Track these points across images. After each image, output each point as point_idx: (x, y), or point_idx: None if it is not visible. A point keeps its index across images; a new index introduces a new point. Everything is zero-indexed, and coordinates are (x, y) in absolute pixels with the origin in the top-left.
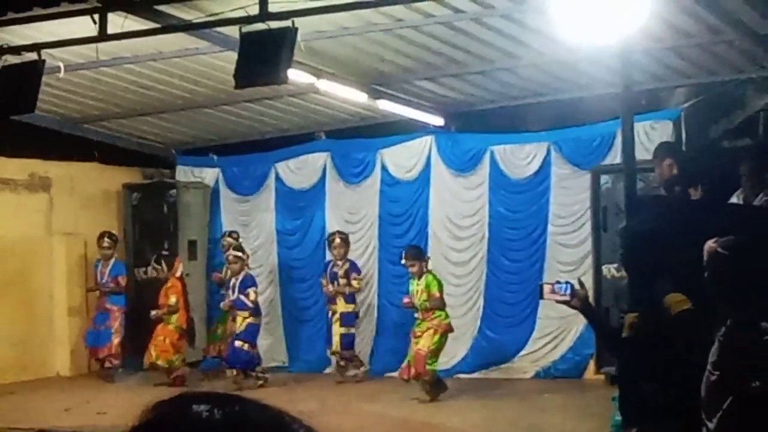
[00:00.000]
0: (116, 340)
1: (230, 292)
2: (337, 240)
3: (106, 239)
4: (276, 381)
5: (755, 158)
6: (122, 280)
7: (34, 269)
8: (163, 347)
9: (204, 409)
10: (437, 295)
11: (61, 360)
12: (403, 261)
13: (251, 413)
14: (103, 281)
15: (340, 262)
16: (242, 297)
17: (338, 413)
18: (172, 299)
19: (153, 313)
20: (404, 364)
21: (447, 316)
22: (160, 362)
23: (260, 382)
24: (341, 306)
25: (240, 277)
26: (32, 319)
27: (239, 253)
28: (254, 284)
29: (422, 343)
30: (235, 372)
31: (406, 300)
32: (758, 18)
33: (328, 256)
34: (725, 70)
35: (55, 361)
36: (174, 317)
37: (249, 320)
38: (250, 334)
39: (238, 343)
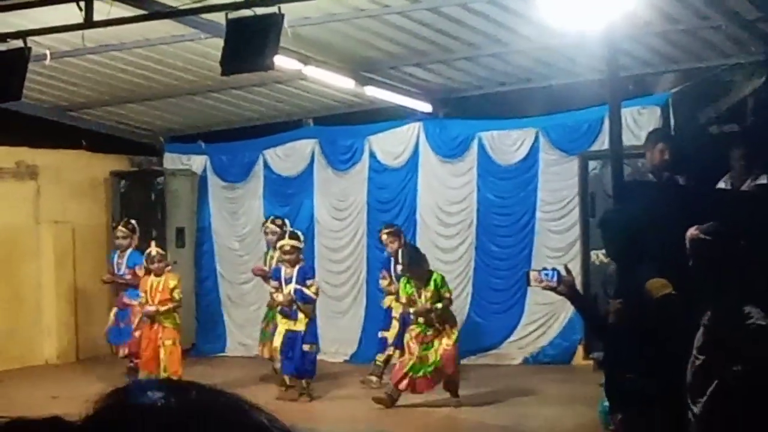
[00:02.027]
0: (136, 337)
1: (282, 285)
2: (383, 236)
3: (121, 228)
4: (265, 368)
5: (744, 144)
6: (140, 271)
7: (21, 257)
8: (174, 352)
9: (159, 397)
10: (449, 295)
11: (49, 348)
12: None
13: (208, 400)
14: (120, 273)
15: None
16: (304, 289)
17: (329, 401)
18: (177, 293)
19: (151, 308)
20: (418, 376)
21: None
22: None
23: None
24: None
25: (296, 268)
26: (20, 308)
27: (297, 243)
28: (314, 275)
29: (445, 341)
30: (305, 382)
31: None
32: (746, 3)
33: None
34: (713, 56)
35: (42, 350)
36: (176, 315)
37: (309, 317)
38: (314, 335)
39: (306, 347)
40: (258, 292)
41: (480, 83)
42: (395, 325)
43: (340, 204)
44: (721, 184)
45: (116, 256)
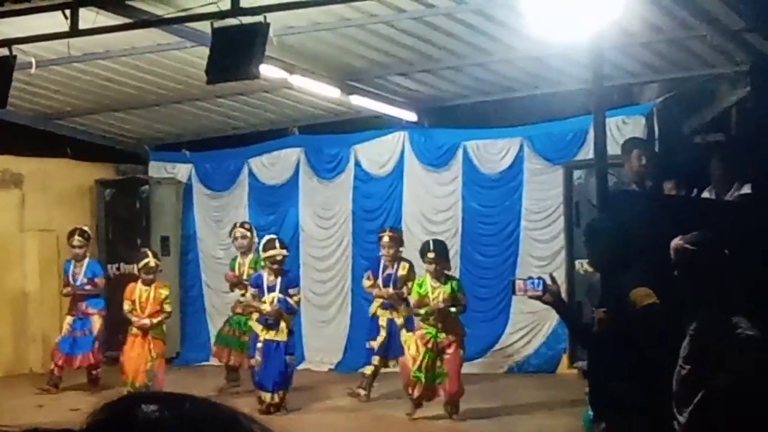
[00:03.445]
0: (98, 345)
1: (265, 293)
2: (385, 238)
3: (77, 237)
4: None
5: (726, 154)
6: (99, 281)
7: (6, 266)
8: (160, 365)
9: (153, 409)
10: (464, 302)
11: (34, 357)
12: (431, 255)
13: (202, 412)
14: (78, 283)
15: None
16: (288, 299)
17: (314, 411)
18: (167, 305)
19: (145, 322)
20: (437, 384)
21: None
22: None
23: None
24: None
25: (280, 277)
26: (5, 316)
27: (287, 252)
28: (298, 284)
29: (453, 354)
30: (280, 395)
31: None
32: (730, 13)
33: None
34: (697, 66)
35: (28, 358)
36: (164, 325)
37: (289, 328)
38: (293, 346)
39: (289, 359)
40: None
41: (465, 92)
42: (382, 333)
43: (325, 213)
44: (706, 194)
45: (71, 266)
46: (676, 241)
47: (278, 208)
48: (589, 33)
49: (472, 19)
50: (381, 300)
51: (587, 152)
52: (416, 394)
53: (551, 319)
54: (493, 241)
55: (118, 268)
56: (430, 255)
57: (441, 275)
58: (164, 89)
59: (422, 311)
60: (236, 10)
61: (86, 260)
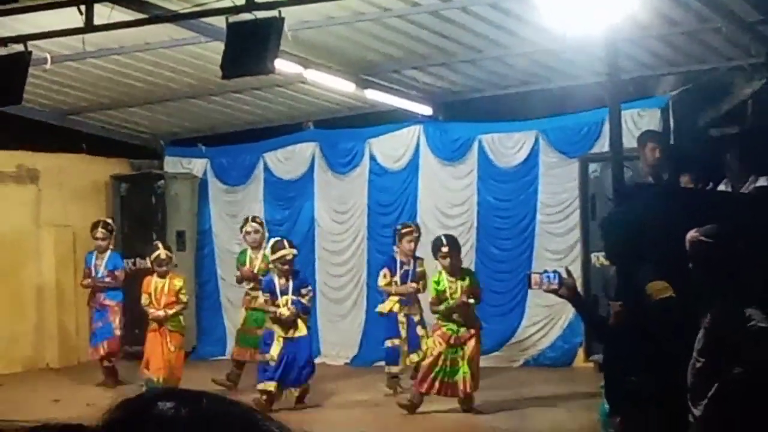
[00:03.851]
0: (117, 335)
1: (278, 296)
2: (414, 234)
3: (100, 229)
4: None
5: (742, 146)
6: (119, 274)
7: (22, 261)
8: (178, 358)
9: (170, 407)
10: (479, 293)
11: (51, 352)
12: (445, 249)
13: (219, 410)
14: (99, 275)
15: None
16: (302, 299)
17: (331, 406)
18: (183, 295)
19: (160, 313)
20: (446, 380)
21: None
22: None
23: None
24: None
25: (291, 279)
26: (21, 311)
27: (295, 252)
28: (308, 282)
29: (474, 347)
30: (303, 388)
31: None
32: (746, 5)
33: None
34: (713, 58)
35: (44, 353)
36: (181, 317)
37: (306, 323)
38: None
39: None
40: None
41: (480, 86)
42: (402, 332)
43: (340, 207)
44: (722, 187)
45: (94, 257)
46: (692, 233)
47: (293, 203)
48: (604, 26)
49: (487, 12)
50: (398, 297)
51: (603, 145)
52: (430, 391)
53: (567, 312)
54: (509, 234)
55: (134, 263)
56: (444, 249)
57: (457, 269)
58: (179, 84)
59: (442, 308)
60: (251, 4)
61: (108, 252)
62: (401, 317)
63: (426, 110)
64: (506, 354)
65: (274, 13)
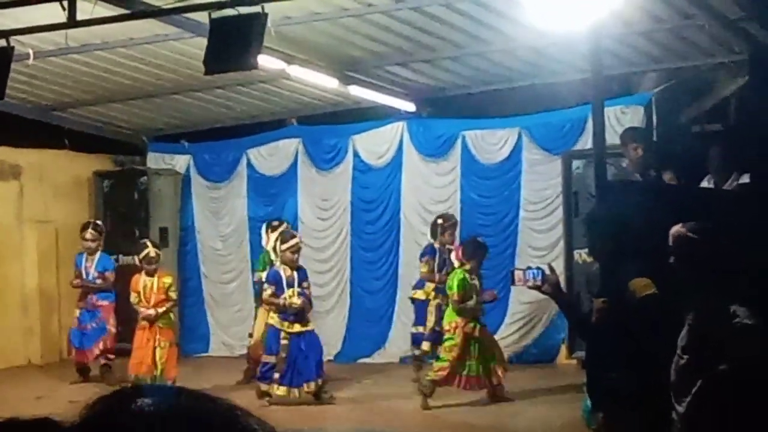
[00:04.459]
0: (113, 333)
1: (284, 288)
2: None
3: (90, 231)
4: None
5: (725, 143)
6: (110, 275)
7: (4, 257)
8: (171, 354)
9: (148, 404)
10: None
11: (33, 348)
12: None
13: (198, 407)
14: (89, 277)
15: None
16: (306, 291)
17: (312, 401)
18: (172, 292)
19: (151, 312)
20: (470, 374)
21: None
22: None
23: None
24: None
25: (296, 270)
26: (3, 308)
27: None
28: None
29: (492, 338)
30: (318, 384)
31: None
32: (729, 2)
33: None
34: (696, 55)
35: (27, 350)
36: (171, 314)
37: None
38: None
39: (325, 349)
40: (241, 292)
41: (464, 82)
42: (431, 319)
43: (323, 203)
44: (704, 183)
45: (84, 259)
46: (676, 228)
47: (277, 199)
48: (588, 22)
49: (471, 8)
50: (434, 285)
51: (586, 142)
52: (459, 386)
53: (550, 309)
54: (492, 231)
55: (116, 260)
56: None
57: (476, 270)
58: (162, 80)
59: (472, 303)
60: (234, 0)
61: (98, 254)
62: (431, 307)
63: (409, 107)
64: None
65: (257, 8)
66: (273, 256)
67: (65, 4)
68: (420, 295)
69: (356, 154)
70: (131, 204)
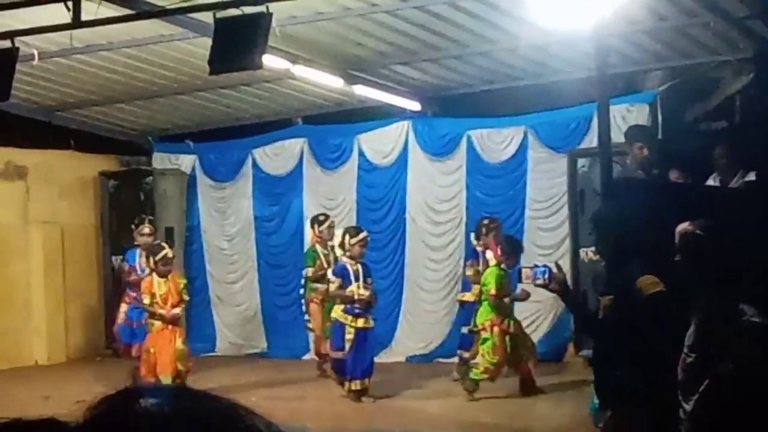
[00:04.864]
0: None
1: (352, 282)
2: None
3: (147, 226)
4: (256, 367)
5: (730, 141)
6: None
7: (10, 258)
8: (185, 353)
9: (151, 404)
10: None
11: (39, 349)
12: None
13: (201, 406)
14: (144, 272)
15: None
16: (370, 286)
17: (318, 399)
18: (185, 293)
19: (176, 311)
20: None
21: None
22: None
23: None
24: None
25: (360, 264)
26: (9, 308)
27: None
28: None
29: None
30: (366, 382)
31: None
32: (734, 0)
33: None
34: (701, 53)
35: (32, 350)
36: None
37: None
38: None
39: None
40: (247, 292)
41: (469, 81)
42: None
43: (329, 203)
44: (710, 181)
45: (137, 255)
46: (683, 226)
47: (282, 199)
48: (593, 21)
49: (475, 7)
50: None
51: (591, 140)
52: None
53: (557, 307)
54: None
55: (122, 260)
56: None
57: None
58: (167, 80)
59: (507, 299)
60: (239, 0)
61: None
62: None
63: (414, 106)
64: None
65: (261, 8)
66: (339, 252)
67: (70, 4)
68: (469, 297)
69: (361, 154)
70: (137, 204)
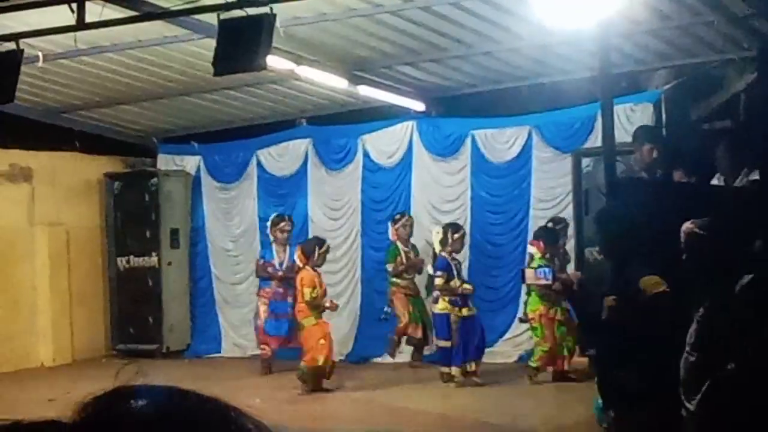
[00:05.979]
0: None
1: (455, 275)
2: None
3: (288, 222)
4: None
5: (734, 140)
6: (294, 266)
7: (16, 260)
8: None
9: (142, 405)
10: None
11: (45, 351)
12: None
13: (193, 407)
14: (284, 267)
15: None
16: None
17: (322, 401)
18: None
19: (337, 303)
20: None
21: None
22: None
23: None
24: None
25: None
26: (15, 310)
27: None
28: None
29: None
30: (477, 364)
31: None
32: None
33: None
34: (705, 52)
35: (38, 352)
36: None
37: None
38: None
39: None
40: (252, 293)
41: (473, 81)
42: None
43: (334, 203)
44: (715, 181)
45: (274, 251)
46: (687, 225)
47: (287, 200)
48: (596, 20)
49: (479, 7)
50: None
51: (595, 140)
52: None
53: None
54: (502, 230)
55: (128, 261)
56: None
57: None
58: (172, 81)
59: (554, 287)
60: (242, 1)
61: (288, 246)
62: None
63: (419, 106)
64: (501, 349)
65: (265, 9)
66: (438, 248)
67: (74, 6)
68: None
69: (366, 154)
70: (142, 205)
